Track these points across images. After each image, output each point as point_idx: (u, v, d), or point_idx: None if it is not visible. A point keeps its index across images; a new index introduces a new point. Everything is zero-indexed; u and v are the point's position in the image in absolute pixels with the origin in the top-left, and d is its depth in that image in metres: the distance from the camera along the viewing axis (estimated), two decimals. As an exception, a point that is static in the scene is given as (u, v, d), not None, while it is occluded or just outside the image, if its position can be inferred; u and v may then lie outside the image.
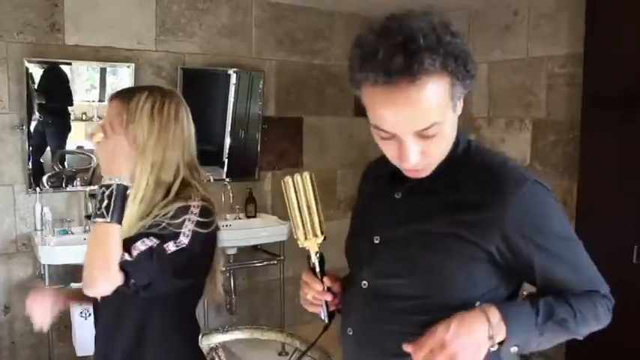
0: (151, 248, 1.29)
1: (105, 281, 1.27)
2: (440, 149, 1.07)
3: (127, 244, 1.30)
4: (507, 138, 3.62)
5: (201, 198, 1.39)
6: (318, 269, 1.23)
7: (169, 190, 1.40)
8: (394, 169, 1.16)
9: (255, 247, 3.78)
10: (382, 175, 1.23)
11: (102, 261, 1.27)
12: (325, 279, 1.22)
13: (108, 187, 1.30)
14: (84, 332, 2.80)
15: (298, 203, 1.20)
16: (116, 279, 1.27)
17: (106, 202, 1.29)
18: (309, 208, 1.20)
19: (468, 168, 1.10)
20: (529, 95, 3.48)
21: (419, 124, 0.99)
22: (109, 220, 1.28)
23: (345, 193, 4.27)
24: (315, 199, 1.20)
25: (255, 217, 3.80)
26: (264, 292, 3.99)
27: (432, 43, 0.95)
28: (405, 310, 1.11)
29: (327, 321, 1.25)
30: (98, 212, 1.30)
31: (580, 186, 3.07)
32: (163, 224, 1.32)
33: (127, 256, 1.28)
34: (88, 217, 3.18)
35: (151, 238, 1.31)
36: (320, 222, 1.21)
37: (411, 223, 1.11)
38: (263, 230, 3.62)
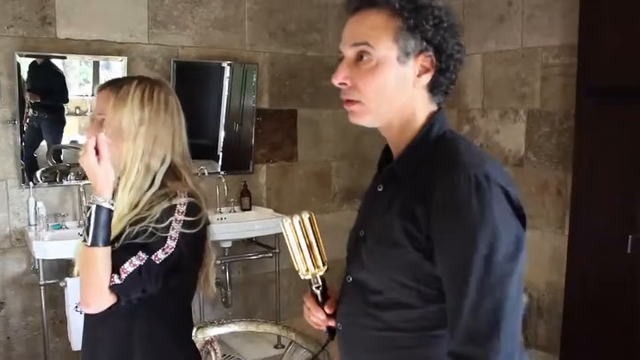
0: (139, 268, 1.30)
1: (98, 303, 1.30)
2: (370, 87, 1.07)
3: (116, 260, 1.30)
4: (502, 129, 3.62)
5: (187, 193, 1.38)
6: (320, 299, 1.23)
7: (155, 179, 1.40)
8: (381, 162, 1.20)
9: (250, 240, 3.78)
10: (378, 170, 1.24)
11: (93, 284, 1.29)
12: (327, 307, 1.23)
13: (103, 209, 1.30)
14: (79, 327, 2.79)
15: (299, 244, 1.18)
16: (107, 301, 1.30)
17: (86, 224, 1.30)
18: (310, 246, 1.19)
19: (432, 156, 1.07)
20: (523, 86, 3.47)
21: (354, 38, 1.08)
22: (88, 244, 1.28)
23: (340, 185, 4.27)
24: (316, 238, 1.19)
25: (249, 210, 3.79)
26: (260, 285, 3.99)
27: None
28: (377, 305, 1.11)
29: (329, 337, 1.26)
30: (81, 233, 1.31)
31: (574, 176, 3.08)
32: (150, 229, 1.32)
33: (116, 279, 1.29)
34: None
35: (139, 254, 1.30)
36: (322, 256, 1.20)
37: (382, 215, 1.10)
38: (258, 223, 3.62)
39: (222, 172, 3.72)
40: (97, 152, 1.31)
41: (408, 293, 1.06)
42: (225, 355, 3.20)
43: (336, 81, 1.10)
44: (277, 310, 3.73)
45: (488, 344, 0.94)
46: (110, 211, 1.31)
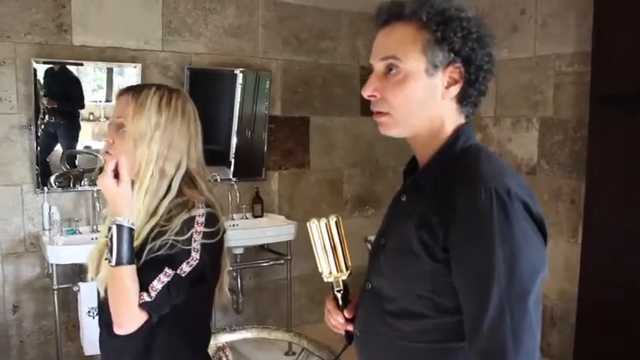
0: (167, 284, 1.31)
1: (130, 323, 1.31)
2: (398, 99, 1.07)
3: (143, 278, 1.31)
4: (514, 137, 3.61)
5: (205, 203, 1.39)
6: (340, 303, 1.25)
7: (171, 185, 1.40)
8: (406, 172, 1.20)
9: (261, 247, 3.79)
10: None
11: (124, 304, 1.30)
12: (346, 311, 1.24)
13: (125, 229, 1.31)
14: (92, 331, 2.81)
15: (324, 246, 1.21)
16: (139, 319, 1.31)
17: (109, 244, 1.30)
18: (334, 249, 1.21)
19: (454, 168, 1.07)
20: (536, 94, 3.46)
21: (382, 52, 1.09)
22: (113, 264, 1.29)
23: (352, 192, 4.27)
24: (341, 241, 1.21)
25: (261, 216, 3.80)
26: (271, 292, 3.99)
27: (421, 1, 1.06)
28: (392, 313, 1.12)
29: (347, 342, 1.27)
30: (106, 256, 1.32)
31: (588, 185, 3.06)
32: (170, 242, 1.33)
33: (145, 297, 1.30)
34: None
35: (166, 271, 1.32)
36: (345, 260, 1.22)
37: (402, 225, 1.10)
38: (270, 230, 3.63)
39: (235, 179, 3.74)
40: (116, 174, 1.32)
41: (423, 303, 1.06)
42: (236, 361, 3.20)
43: (365, 93, 1.10)
44: (288, 317, 3.72)
45: None
46: (131, 230, 1.32)
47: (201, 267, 1.35)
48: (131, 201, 1.34)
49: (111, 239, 1.30)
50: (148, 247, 1.35)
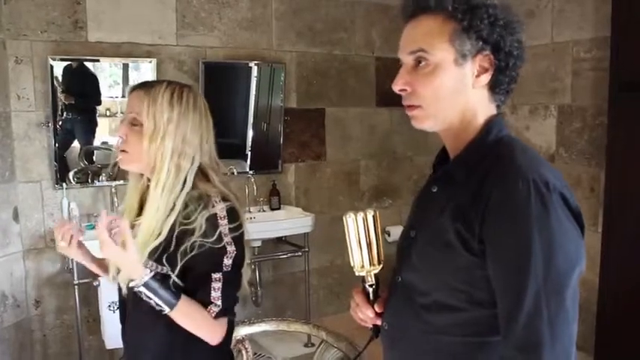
0: (223, 287, 1.37)
1: (216, 335, 1.40)
2: (428, 91, 1.06)
3: (201, 296, 1.36)
4: (532, 125, 3.57)
5: (221, 197, 1.39)
6: (372, 297, 1.24)
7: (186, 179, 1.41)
8: (436, 163, 1.19)
9: (279, 239, 3.79)
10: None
11: (200, 326, 1.38)
12: (377, 305, 1.23)
13: (146, 285, 1.30)
14: (112, 325, 2.84)
15: (359, 240, 1.20)
16: (222, 327, 1.40)
17: (155, 299, 1.31)
18: (369, 244, 1.20)
19: (488, 160, 1.05)
20: (554, 81, 3.42)
21: (410, 45, 1.08)
22: (169, 310, 1.32)
23: (369, 183, 4.26)
24: (377, 237, 1.20)
25: (279, 209, 3.80)
26: (289, 284, 4.00)
27: None
28: (425, 307, 1.10)
29: (374, 335, 1.27)
30: (158, 309, 1.33)
31: (608, 173, 3.02)
32: (207, 246, 1.35)
33: (215, 309, 1.36)
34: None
35: (214, 277, 1.36)
36: (379, 254, 1.21)
37: (435, 217, 1.08)
38: (287, 222, 3.63)
39: (251, 172, 3.74)
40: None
41: (457, 296, 1.05)
42: (255, 353, 3.22)
43: (396, 87, 1.09)
44: (307, 309, 3.73)
45: (541, 354, 0.93)
46: (155, 275, 1.32)
47: (239, 256, 1.39)
48: (138, 258, 1.32)
49: (148, 297, 1.31)
50: (181, 249, 1.35)
